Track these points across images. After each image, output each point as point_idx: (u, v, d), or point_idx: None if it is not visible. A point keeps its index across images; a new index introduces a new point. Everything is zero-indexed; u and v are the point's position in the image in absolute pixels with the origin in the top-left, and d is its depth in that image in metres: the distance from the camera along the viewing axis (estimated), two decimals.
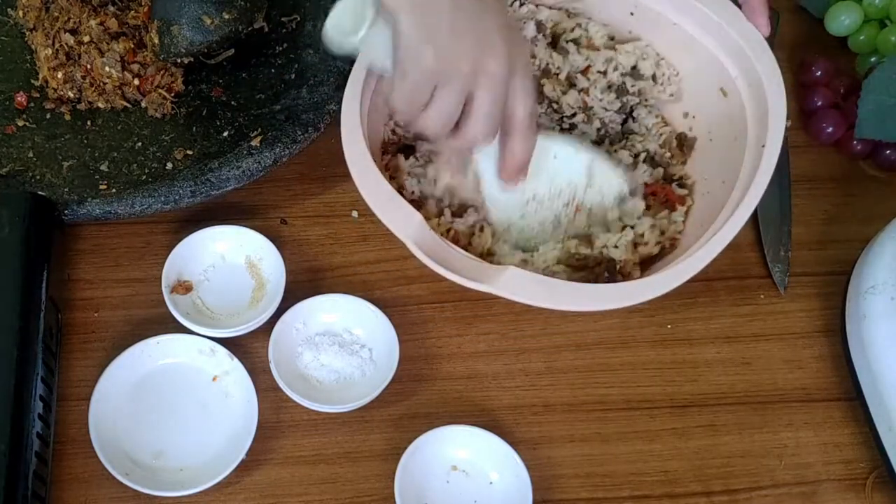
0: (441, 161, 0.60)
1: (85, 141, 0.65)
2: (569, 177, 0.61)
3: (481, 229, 0.61)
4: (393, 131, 0.65)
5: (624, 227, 0.61)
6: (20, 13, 0.68)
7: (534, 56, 0.65)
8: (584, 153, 0.61)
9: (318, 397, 0.58)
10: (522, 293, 0.53)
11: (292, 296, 0.60)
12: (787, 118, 0.70)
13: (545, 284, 0.54)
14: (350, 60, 0.61)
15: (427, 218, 0.57)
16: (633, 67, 0.66)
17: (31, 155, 0.64)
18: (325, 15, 0.54)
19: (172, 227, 0.64)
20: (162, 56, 0.64)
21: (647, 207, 0.62)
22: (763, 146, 0.59)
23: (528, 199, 0.60)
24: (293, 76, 0.68)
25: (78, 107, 0.66)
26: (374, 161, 0.57)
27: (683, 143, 0.65)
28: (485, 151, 0.57)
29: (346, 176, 0.66)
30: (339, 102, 0.60)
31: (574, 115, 0.65)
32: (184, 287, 0.61)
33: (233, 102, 0.67)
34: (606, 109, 0.66)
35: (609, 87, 0.65)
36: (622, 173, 0.62)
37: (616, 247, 0.60)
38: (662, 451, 0.59)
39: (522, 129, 0.55)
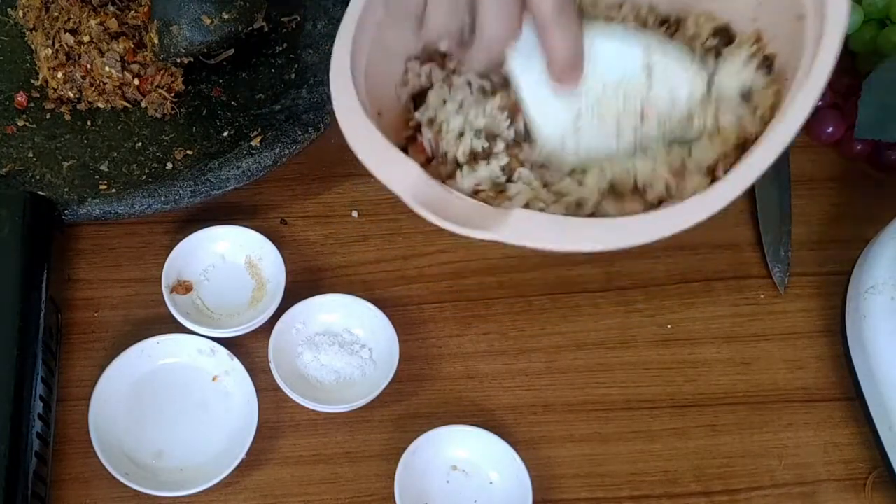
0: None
1: (85, 141, 0.65)
2: (622, 74, 0.51)
3: (510, 176, 0.53)
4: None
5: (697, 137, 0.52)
6: (20, 13, 0.68)
7: None
8: (636, 45, 0.51)
9: (318, 397, 0.58)
10: (532, 237, 0.47)
11: (292, 296, 0.60)
12: None
13: (557, 223, 0.47)
14: None
15: (443, 176, 0.52)
16: None
17: (31, 155, 0.64)
18: (326, 15, 0.54)
19: (172, 227, 0.64)
20: (162, 56, 0.64)
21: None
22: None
23: (577, 111, 0.52)
24: (293, 76, 0.68)
25: (78, 107, 0.66)
26: (371, 112, 0.52)
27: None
28: (520, 61, 0.50)
29: (347, 176, 0.67)
30: None
31: None
32: (184, 287, 0.61)
33: (233, 102, 0.67)
34: None
35: None
36: (694, 65, 0.52)
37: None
38: (662, 451, 0.59)
39: (552, 15, 0.46)
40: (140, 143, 0.65)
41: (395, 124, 0.57)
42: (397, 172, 0.50)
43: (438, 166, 0.55)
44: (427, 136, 0.55)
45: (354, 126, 0.51)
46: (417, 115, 0.56)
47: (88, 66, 0.65)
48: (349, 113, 0.51)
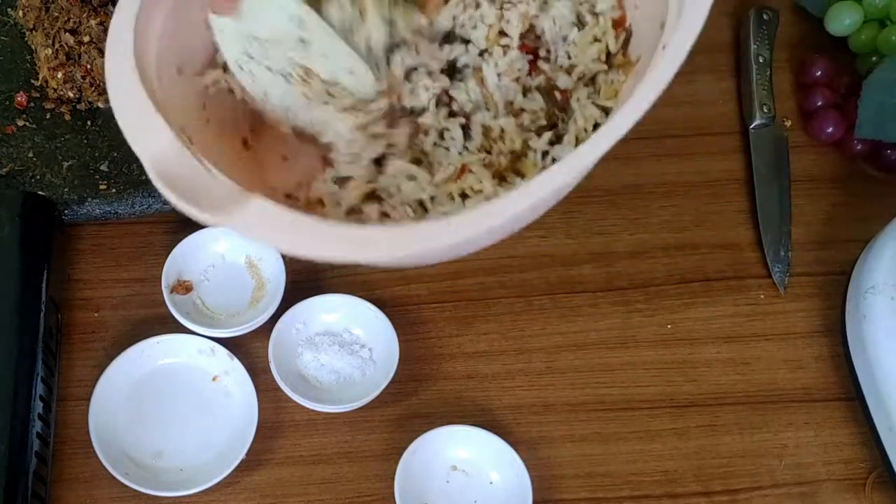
0: None
1: (85, 141, 0.65)
2: (273, 24, 0.49)
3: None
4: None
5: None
6: (20, 13, 0.68)
7: None
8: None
9: (318, 397, 0.58)
10: (264, 233, 0.43)
11: (292, 296, 0.60)
12: (787, 118, 0.70)
13: (293, 224, 0.42)
14: None
15: None
16: None
17: (31, 155, 0.64)
18: None
19: (172, 227, 0.64)
20: None
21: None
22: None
23: (250, 41, 0.50)
24: None
25: (78, 107, 0.66)
26: (163, 70, 0.48)
27: None
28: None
29: None
30: None
31: None
32: (184, 287, 0.61)
33: None
34: None
35: None
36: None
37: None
38: (662, 451, 0.59)
39: None
40: None
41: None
42: (147, 139, 0.45)
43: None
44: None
45: (119, 86, 0.47)
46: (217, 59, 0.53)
47: (88, 66, 0.65)
48: (117, 71, 0.47)
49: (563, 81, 0.55)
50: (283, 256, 0.61)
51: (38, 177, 0.62)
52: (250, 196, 0.43)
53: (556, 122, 0.55)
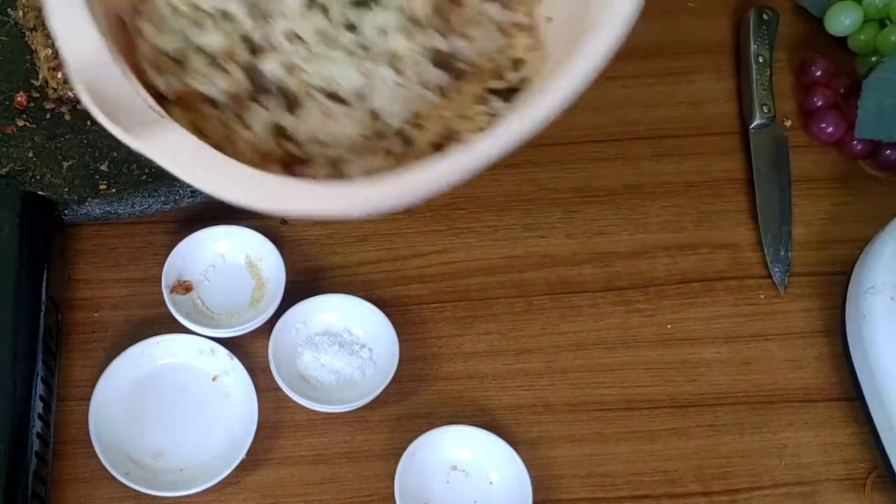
0: None
1: (85, 141, 0.65)
2: None
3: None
4: None
5: None
6: (20, 13, 0.68)
7: None
8: None
9: (318, 397, 0.58)
10: (177, 162, 0.41)
11: (292, 296, 0.60)
12: (787, 118, 0.70)
13: (209, 159, 0.41)
14: None
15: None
16: None
17: (31, 155, 0.64)
18: None
19: (172, 227, 0.64)
20: None
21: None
22: None
23: None
24: None
25: (78, 107, 0.66)
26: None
27: None
28: None
29: None
30: None
31: None
32: (184, 287, 0.61)
33: None
34: None
35: None
36: None
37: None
38: (662, 451, 0.59)
39: None
40: None
41: None
42: (74, 39, 0.42)
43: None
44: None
45: None
46: None
47: None
48: None
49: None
50: (283, 256, 0.61)
51: (38, 177, 0.62)
52: (169, 123, 0.42)
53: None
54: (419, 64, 0.51)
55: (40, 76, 0.66)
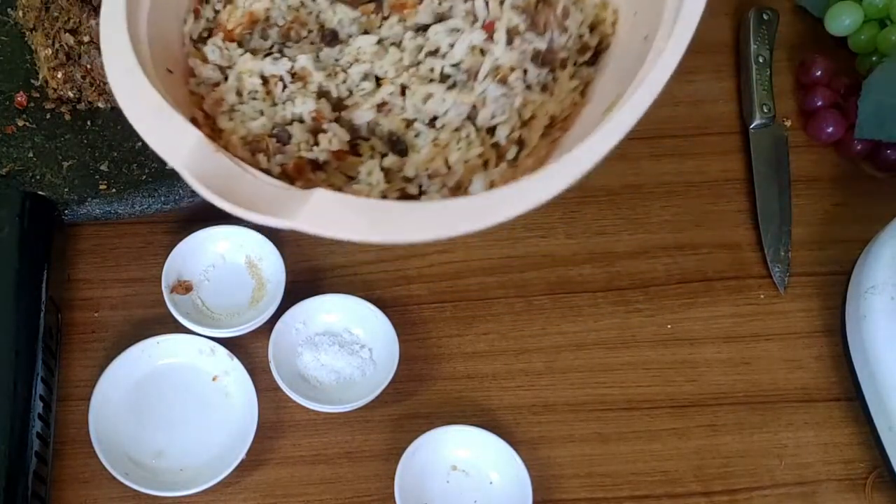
0: None
1: (85, 141, 0.65)
2: None
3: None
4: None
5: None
6: (20, 13, 0.68)
7: None
8: None
9: (318, 397, 0.58)
10: (333, 225, 0.40)
11: (292, 296, 0.60)
12: (787, 118, 0.70)
13: (365, 208, 0.40)
14: None
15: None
16: None
17: (31, 155, 0.64)
18: None
19: (172, 227, 0.64)
20: None
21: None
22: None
23: None
24: None
25: (78, 107, 0.66)
26: (156, 69, 0.45)
27: None
28: None
29: None
30: None
31: None
32: (184, 287, 0.61)
33: None
34: None
35: None
36: None
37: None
38: (662, 451, 0.59)
39: None
40: (140, 143, 0.64)
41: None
42: (172, 140, 0.42)
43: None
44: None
45: (125, 83, 0.43)
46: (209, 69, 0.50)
47: (88, 66, 0.65)
48: (119, 66, 0.43)
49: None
50: (283, 256, 0.61)
51: (38, 177, 0.62)
52: (308, 193, 0.41)
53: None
54: (526, 69, 0.51)
55: (40, 76, 0.66)
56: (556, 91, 0.52)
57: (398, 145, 0.50)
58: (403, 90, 0.51)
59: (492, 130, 0.51)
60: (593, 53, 0.53)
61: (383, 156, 0.50)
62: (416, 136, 0.51)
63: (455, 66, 0.51)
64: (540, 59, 0.52)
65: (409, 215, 0.41)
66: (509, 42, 0.51)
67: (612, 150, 0.44)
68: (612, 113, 0.45)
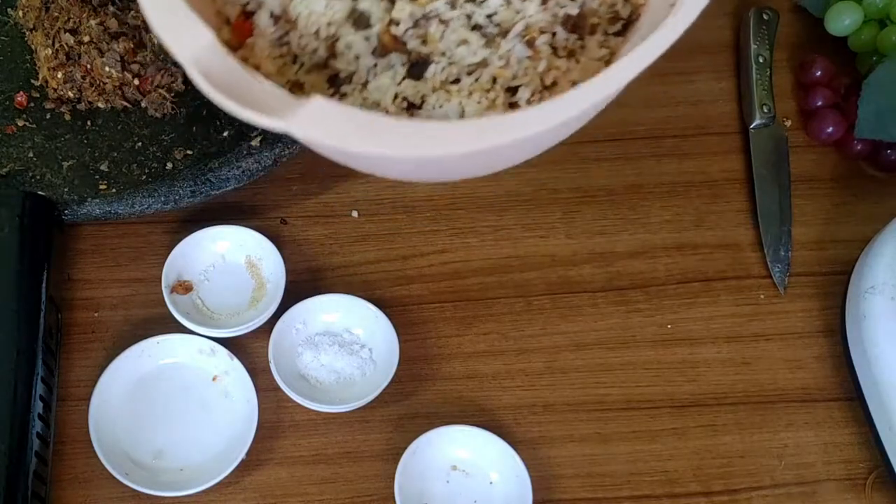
0: None
1: (85, 141, 0.65)
2: None
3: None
4: None
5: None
6: (20, 13, 0.68)
7: None
8: None
9: (318, 397, 0.58)
10: (325, 130, 0.41)
11: (292, 296, 0.60)
12: (787, 118, 0.70)
13: (361, 120, 0.41)
14: None
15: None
16: None
17: (31, 155, 0.64)
18: None
19: (172, 227, 0.64)
20: (162, 56, 0.64)
21: None
22: None
23: None
24: None
25: (78, 107, 0.66)
26: None
27: None
28: None
29: (347, 176, 0.67)
30: None
31: None
32: (184, 287, 0.61)
33: None
34: None
35: None
36: None
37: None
38: (662, 451, 0.59)
39: None
40: (140, 143, 0.65)
41: None
42: (185, 36, 0.43)
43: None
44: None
45: None
46: None
47: (88, 66, 0.65)
48: None
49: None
50: (283, 256, 0.61)
51: (38, 177, 0.62)
52: (306, 100, 0.42)
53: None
54: (555, 31, 0.51)
55: (40, 76, 0.66)
56: (581, 59, 0.52)
57: (417, 68, 0.50)
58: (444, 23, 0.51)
59: (513, 90, 0.51)
60: (624, 24, 0.53)
61: (402, 79, 0.50)
62: (441, 68, 0.50)
63: (489, 17, 0.51)
64: (570, 24, 0.52)
65: (400, 129, 0.41)
66: (543, 1, 0.51)
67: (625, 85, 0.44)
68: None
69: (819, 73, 0.71)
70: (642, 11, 0.52)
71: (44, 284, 0.57)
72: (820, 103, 0.70)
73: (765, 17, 0.72)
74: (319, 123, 0.40)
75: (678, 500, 0.58)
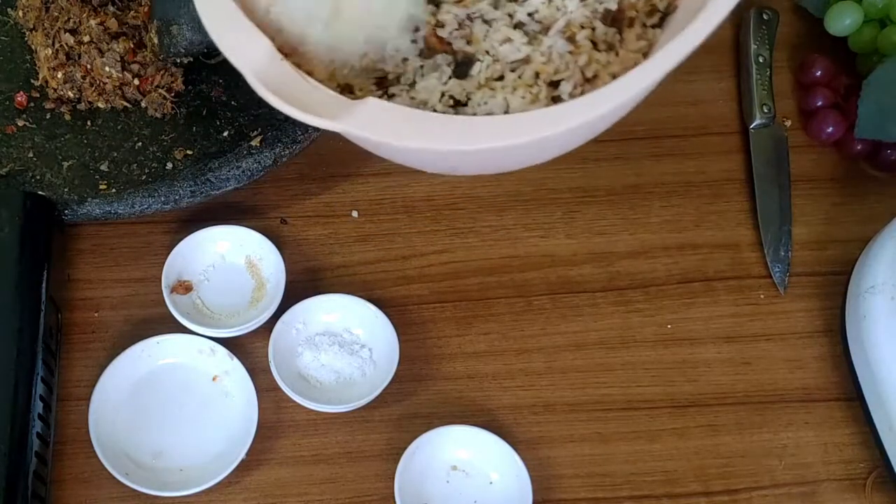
0: None
1: (85, 141, 0.65)
2: None
3: None
4: None
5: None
6: (20, 13, 0.68)
7: None
8: None
9: (318, 397, 0.58)
10: (384, 130, 0.43)
11: (292, 296, 0.60)
12: (787, 118, 0.70)
13: (414, 118, 0.44)
14: None
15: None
16: None
17: (31, 155, 0.64)
18: None
19: (172, 227, 0.64)
20: (161, 56, 0.64)
21: None
22: None
23: None
24: None
25: (78, 107, 0.66)
26: None
27: None
28: None
29: (347, 176, 0.67)
30: None
31: None
32: (184, 287, 0.61)
33: (233, 102, 0.67)
34: None
35: None
36: None
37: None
38: (662, 451, 0.59)
39: None
40: (140, 143, 0.65)
41: None
42: (244, 45, 0.46)
43: None
44: None
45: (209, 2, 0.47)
46: None
47: (88, 66, 0.65)
48: None
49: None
50: (283, 256, 0.61)
51: (38, 177, 0.62)
52: (360, 101, 0.44)
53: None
54: (594, 27, 0.52)
55: (40, 76, 0.66)
56: (620, 52, 0.53)
57: (462, 67, 0.52)
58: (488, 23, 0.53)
59: (555, 84, 0.52)
60: (661, 16, 0.53)
61: (448, 78, 0.52)
62: (486, 66, 0.52)
63: (530, 14, 0.52)
64: (609, 18, 0.52)
65: (452, 125, 0.43)
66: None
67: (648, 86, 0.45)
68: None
69: (819, 73, 0.71)
70: (679, 3, 0.53)
71: (44, 284, 0.57)
72: (820, 103, 0.70)
73: (765, 17, 0.72)
74: (375, 122, 0.43)
75: (678, 500, 0.58)
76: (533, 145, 0.45)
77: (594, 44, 0.52)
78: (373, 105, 0.44)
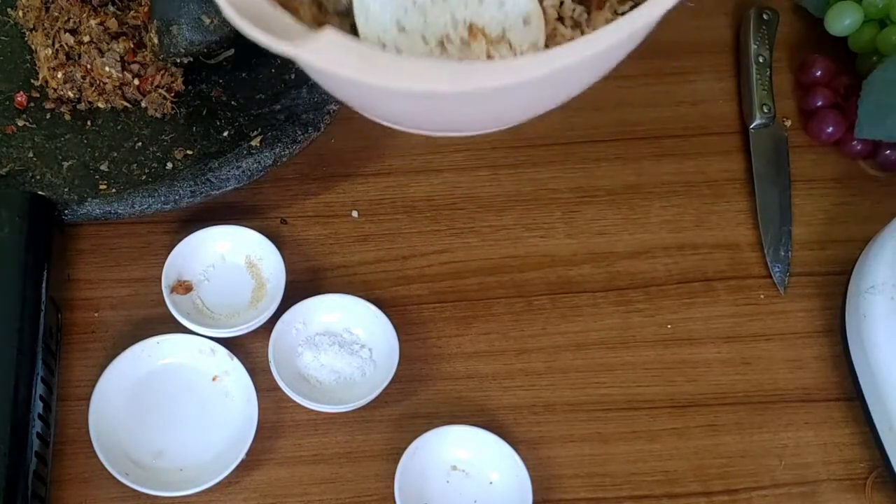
0: None
1: (85, 141, 0.65)
2: None
3: None
4: None
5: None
6: (20, 13, 0.68)
7: None
8: None
9: (318, 397, 0.58)
10: (331, 59, 0.42)
11: (292, 296, 0.60)
12: (787, 118, 0.70)
13: (364, 54, 0.42)
14: None
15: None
16: None
17: (31, 155, 0.64)
18: None
19: (172, 227, 0.64)
20: (161, 56, 0.64)
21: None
22: None
23: (405, 7, 0.49)
24: (293, 76, 0.67)
25: (78, 107, 0.66)
26: None
27: None
28: None
29: (347, 176, 0.67)
30: (340, 103, 0.59)
31: None
32: (184, 287, 0.61)
33: (233, 102, 0.67)
34: None
35: None
36: None
37: None
38: (662, 451, 0.59)
39: None
40: (140, 143, 0.65)
41: None
42: None
43: None
44: None
45: None
46: None
47: (88, 66, 0.65)
48: None
49: None
50: (283, 256, 0.61)
51: (38, 177, 0.62)
52: (321, 30, 0.43)
53: None
54: (562, 0, 0.51)
55: (40, 76, 0.66)
56: (586, 31, 0.51)
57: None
58: None
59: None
60: (633, 5, 0.53)
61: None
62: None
63: None
64: None
65: (401, 64, 0.42)
66: None
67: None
68: None
69: (819, 73, 0.71)
70: None
71: (44, 284, 0.57)
72: (820, 103, 0.70)
73: (765, 17, 0.72)
74: (326, 52, 0.42)
75: (678, 500, 0.58)
76: (487, 95, 0.43)
77: (561, 19, 0.51)
78: (330, 35, 0.42)
